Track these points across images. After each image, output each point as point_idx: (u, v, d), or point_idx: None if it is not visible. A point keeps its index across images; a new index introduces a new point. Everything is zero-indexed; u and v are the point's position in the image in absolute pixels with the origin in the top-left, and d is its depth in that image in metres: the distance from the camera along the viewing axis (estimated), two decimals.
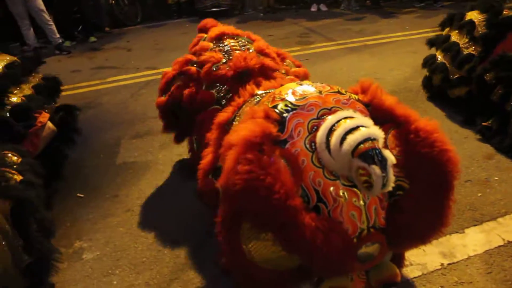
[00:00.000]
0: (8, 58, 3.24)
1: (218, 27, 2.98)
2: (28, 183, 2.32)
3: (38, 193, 2.36)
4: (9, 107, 2.90)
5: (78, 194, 3.20)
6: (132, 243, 2.66)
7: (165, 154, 3.63)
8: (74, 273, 2.50)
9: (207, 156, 2.16)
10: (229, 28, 2.96)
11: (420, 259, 2.36)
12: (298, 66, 2.86)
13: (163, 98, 2.98)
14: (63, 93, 3.66)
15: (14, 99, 2.97)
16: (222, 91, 2.67)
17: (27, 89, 3.10)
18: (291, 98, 1.78)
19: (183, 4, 10.09)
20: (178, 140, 3.26)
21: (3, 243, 2.05)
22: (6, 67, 3.11)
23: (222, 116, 2.18)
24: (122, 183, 3.30)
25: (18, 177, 2.31)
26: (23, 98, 3.01)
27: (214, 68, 2.70)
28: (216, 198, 2.03)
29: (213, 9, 9.45)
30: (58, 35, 7.84)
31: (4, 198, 2.11)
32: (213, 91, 2.69)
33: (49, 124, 3.09)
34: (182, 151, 3.48)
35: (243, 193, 1.52)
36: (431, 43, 4.32)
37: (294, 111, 1.71)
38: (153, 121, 4.18)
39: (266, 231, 1.55)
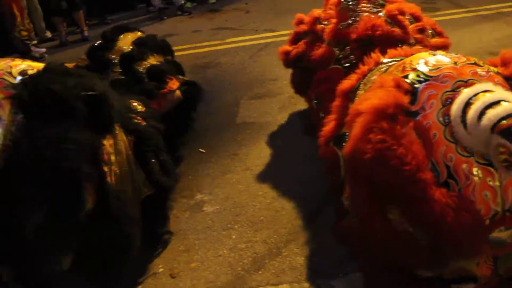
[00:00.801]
0: (139, 33, 3.45)
1: None
2: (150, 126, 2.49)
3: (160, 138, 2.52)
4: (146, 65, 3.11)
5: (200, 150, 3.39)
6: (250, 201, 2.78)
7: (284, 116, 3.68)
8: (196, 223, 2.68)
9: (329, 123, 2.15)
10: None
11: None
12: (440, 34, 2.71)
13: (286, 47, 3.09)
14: (185, 52, 3.79)
15: (151, 60, 3.18)
16: (344, 51, 2.63)
17: (160, 58, 3.29)
18: (423, 68, 1.71)
19: None
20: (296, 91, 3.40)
21: (128, 171, 2.24)
22: (146, 36, 3.38)
23: (346, 83, 2.15)
24: (241, 142, 3.43)
25: (142, 122, 2.49)
26: (160, 61, 3.21)
27: (340, 27, 2.65)
28: (336, 165, 2.05)
29: None
30: None
31: (129, 133, 2.30)
32: (336, 49, 2.67)
33: (177, 91, 3.27)
34: (301, 113, 3.52)
35: (373, 162, 1.50)
36: None
37: (427, 82, 1.65)
38: (272, 83, 4.25)
39: (394, 203, 1.54)
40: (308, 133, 3.04)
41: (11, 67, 1.86)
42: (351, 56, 2.56)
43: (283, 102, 3.87)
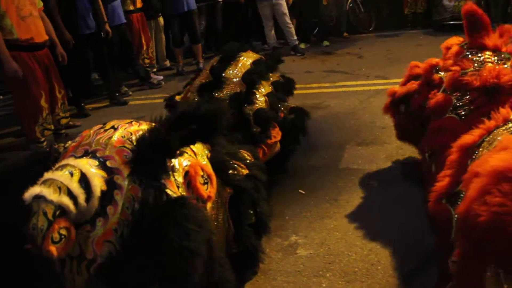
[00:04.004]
0: (255, 55, 3.51)
1: (486, 37, 2.69)
2: (251, 176, 2.44)
3: (260, 188, 2.46)
4: (256, 106, 3.14)
5: (300, 190, 3.34)
6: (345, 250, 2.66)
7: (390, 166, 3.54)
8: (287, 265, 2.61)
9: (444, 179, 2.02)
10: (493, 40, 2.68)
11: None
12: None
13: (395, 88, 3.06)
14: (296, 92, 3.81)
15: (260, 99, 3.19)
16: (463, 100, 2.48)
17: (267, 86, 3.31)
18: None
19: (419, 15, 9.72)
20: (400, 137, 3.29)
21: (224, 233, 2.22)
22: (254, 63, 3.36)
23: (467, 138, 2.01)
24: (343, 188, 3.33)
25: (245, 171, 2.47)
26: (266, 99, 3.21)
27: (460, 74, 2.52)
28: (447, 224, 1.90)
29: (451, 22, 8.85)
30: (295, 37, 8.38)
31: (226, 186, 2.27)
32: (452, 96, 2.52)
33: (278, 144, 3.28)
34: (408, 165, 3.37)
35: (488, 227, 1.39)
36: None
37: None
38: (380, 131, 4.13)
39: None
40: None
41: (131, 134, 1.90)
42: (471, 106, 2.40)
43: (391, 152, 3.73)
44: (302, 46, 8.73)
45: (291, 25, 8.36)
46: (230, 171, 2.34)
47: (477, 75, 2.42)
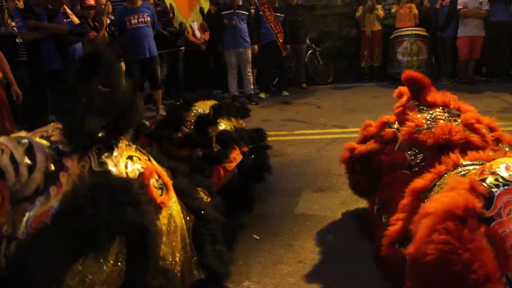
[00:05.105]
0: (215, 102, 3.62)
1: (433, 94, 2.82)
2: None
3: (218, 228, 2.44)
4: (218, 130, 3.25)
5: (254, 236, 3.28)
6: None
7: (344, 213, 3.55)
8: None
9: (396, 224, 2.03)
10: (443, 96, 2.80)
11: None
12: None
13: (353, 145, 3.14)
14: None
15: (223, 126, 3.32)
16: (417, 157, 2.55)
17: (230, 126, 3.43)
18: (504, 173, 1.60)
19: (375, 69, 10.10)
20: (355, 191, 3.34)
21: (180, 254, 2.16)
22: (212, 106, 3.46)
23: (418, 182, 2.05)
24: (298, 233, 3.29)
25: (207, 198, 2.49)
26: (232, 127, 3.35)
27: (415, 131, 2.59)
28: (400, 268, 1.89)
29: None
30: (252, 87, 8.57)
31: (190, 213, 2.27)
32: (406, 154, 2.60)
33: (235, 168, 3.30)
34: (362, 212, 3.38)
35: (435, 265, 1.40)
36: None
37: (506, 187, 1.54)
38: (336, 178, 4.17)
39: None
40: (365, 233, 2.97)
41: None
42: (422, 163, 2.47)
43: (345, 198, 3.74)
44: (262, 95, 8.91)
45: (251, 75, 8.54)
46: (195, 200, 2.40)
47: (430, 132, 2.51)
